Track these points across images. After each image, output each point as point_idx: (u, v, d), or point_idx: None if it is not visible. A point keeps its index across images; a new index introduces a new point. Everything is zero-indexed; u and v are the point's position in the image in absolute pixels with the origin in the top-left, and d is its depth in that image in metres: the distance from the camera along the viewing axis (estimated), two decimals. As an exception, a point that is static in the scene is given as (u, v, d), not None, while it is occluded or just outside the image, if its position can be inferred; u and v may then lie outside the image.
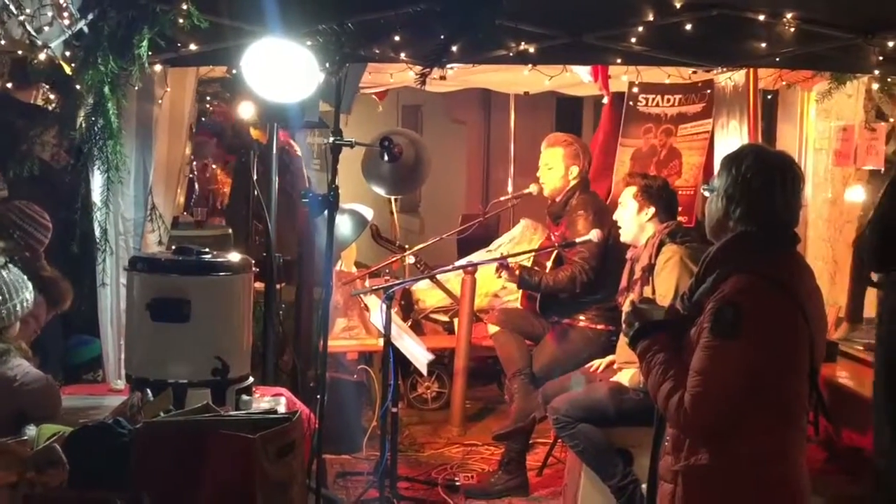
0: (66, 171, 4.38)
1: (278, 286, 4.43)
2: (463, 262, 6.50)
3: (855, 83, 5.62)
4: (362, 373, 5.84)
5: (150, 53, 3.77)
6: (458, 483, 5.20)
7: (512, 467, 5.17)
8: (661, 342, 2.66)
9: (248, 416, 2.87)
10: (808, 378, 2.57)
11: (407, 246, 6.89)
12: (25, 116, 4.36)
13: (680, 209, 4.92)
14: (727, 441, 2.54)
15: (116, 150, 4.02)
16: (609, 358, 4.71)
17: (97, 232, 4.20)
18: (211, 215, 6.82)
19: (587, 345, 4.99)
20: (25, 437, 2.84)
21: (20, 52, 3.79)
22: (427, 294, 7.05)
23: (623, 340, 4.29)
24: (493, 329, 5.40)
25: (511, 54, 4.56)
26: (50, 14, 3.52)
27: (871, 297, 5.11)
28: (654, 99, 6.06)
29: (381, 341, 4.65)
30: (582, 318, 5.05)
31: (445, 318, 6.99)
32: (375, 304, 4.80)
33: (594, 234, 4.89)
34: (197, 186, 6.95)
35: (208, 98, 6.61)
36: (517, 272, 5.09)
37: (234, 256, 3.44)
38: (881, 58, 4.62)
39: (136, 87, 4.05)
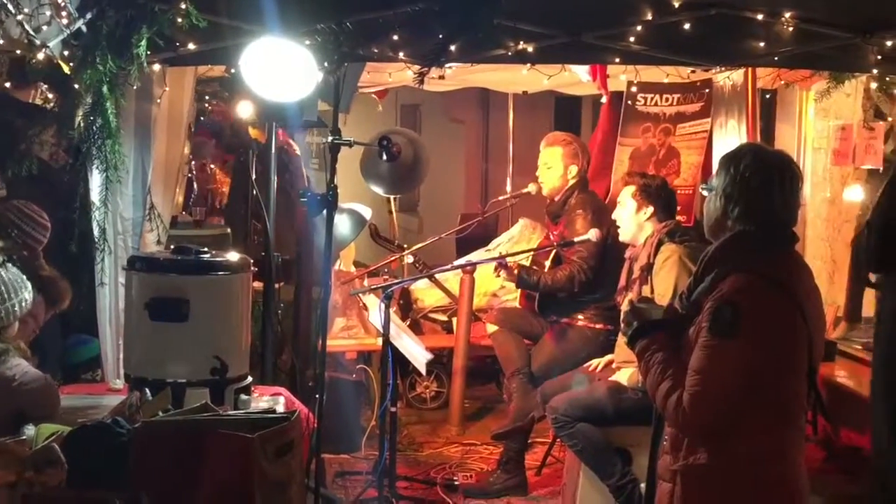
0: (65, 170, 4.38)
1: (277, 285, 4.43)
2: (461, 261, 6.50)
3: (853, 82, 5.62)
4: (361, 372, 5.84)
5: (148, 53, 3.77)
6: (456, 482, 5.20)
7: (511, 467, 5.17)
8: (659, 341, 2.66)
9: (246, 415, 2.87)
10: (806, 377, 2.57)
11: (406, 245, 6.89)
12: (24, 116, 4.36)
13: (678, 208, 4.92)
14: (726, 440, 2.54)
15: (115, 150, 4.02)
16: (608, 357, 4.71)
17: (96, 231, 4.20)
18: (210, 215, 6.82)
19: (586, 344, 4.99)
20: (24, 437, 2.84)
21: (18, 52, 3.79)
22: (426, 293, 7.05)
23: (622, 340, 4.29)
24: (491, 328, 5.40)
25: (510, 53, 4.56)
26: (48, 13, 3.52)
27: (869, 296, 5.11)
28: (652, 98, 6.06)
29: (379, 341, 4.65)
30: (580, 317, 5.05)
31: (444, 318, 6.99)
32: (374, 304, 4.80)
33: (593, 234, 4.89)
34: (196, 186, 6.96)
35: (207, 97, 6.61)
36: (516, 271, 5.08)
37: (233, 256, 3.44)
38: (879, 57, 4.62)
39: (135, 87, 4.05)
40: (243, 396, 3.27)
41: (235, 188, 6.33)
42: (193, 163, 6.71)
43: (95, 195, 4.17)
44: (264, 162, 4.35)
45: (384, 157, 4.58)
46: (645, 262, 4.36)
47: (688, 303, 2.66)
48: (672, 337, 2.67)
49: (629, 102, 6.14)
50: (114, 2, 3.71)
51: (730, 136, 5.77)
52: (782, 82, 5.98)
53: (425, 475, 5.31)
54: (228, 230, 6.15)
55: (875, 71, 5.05)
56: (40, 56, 3.68)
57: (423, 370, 5.14)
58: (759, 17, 4.23)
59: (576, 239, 4.93)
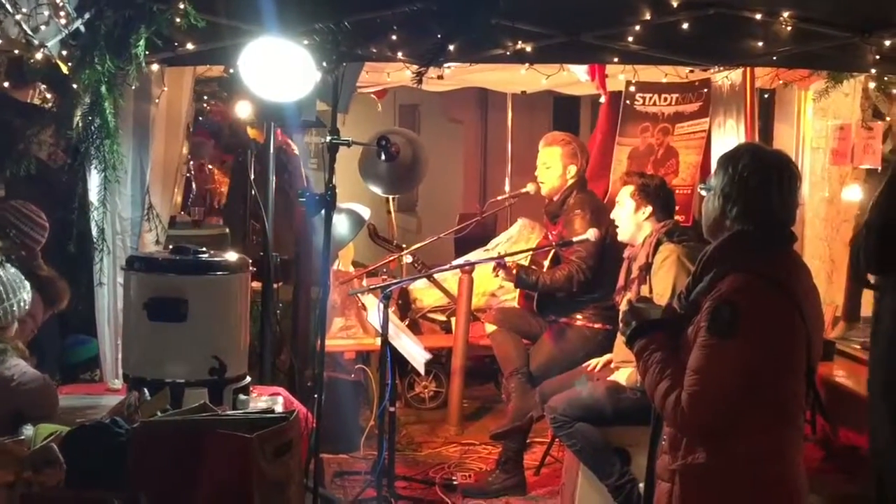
0: (63, 170, 4.38)
1: (276, 285, 4.43)
2: (460, 261, 6.49)
3: (852, 82, 5.62)
4: (360, 372, 5.84)
5: (147, 53, 3.77)
6: (455, 482, 5.21)
7: (509, 466, 5.17)
8: (658, 341, 2.67)
9: (245, 415, 2.87)
10: (805, 377, 2.57)
11: (404, 245, 6.88)
12: (22, 116, 4.35)
13: (677, 208, 4.92)
14: (724, 440, 2.54)
15: (113, 150, 4.02)
16: (606, 357, 4.71)
17: (94, 231, 4.20)
18: (208, 215, 6.82)
19: (584, 344, 4.99)
20: (22, 437, 2.84)
21: (17, 52, 3.79)
22: (424, 293, 7.05)
23: (620, 339, 4.29)
24: (490, 328, 5.40)
25: (508, 53, 4.56)
26: (46, 13, 3.51)
27: (868, 296, 5.10)
28: (651, 98, 6.06)
29: (378, 341, 4.65)
30: (579, 317, 5.05)
31: (443, 318, 6.99)
32: (373, 304, 4.80)
33: (591, 234, 4.89)
34: (194, 186, 6.96)
35: (205, 97, 6.60)
36: (514, 271, 5.08)
37: (232, 256, 3.44)
38: (878, 57, 4.62)
39: (133, 87, 4.05)
40: (242, 396, 3.27)
41: (234, 188, 6.34)
42: (192, 163, 6.71)
43: (94, 195, 4.17)
44: (263, 162, 4.35)
45: (383, 157, 4.57)
46: (643, 262, 4.36)
47: (686, 302, 2.67)
48: (671, 337, 2.67)
49: (627, 102, 6.14)
50: (112, 2, 3.71)
51: (728, 135, 5.77)
52: (781, 82, 5.98)
53: (424, 475, 5.32)
54: (227, 230, 6.15)
55: (873, 70, 5.05)
56: (38, 56, 3.68)
57: (421, 370, 5.14)
58: (758, 16, 4.23)
59: (574, 239, 4.93)
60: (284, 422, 2.72)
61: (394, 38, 4.17)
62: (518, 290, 5.53)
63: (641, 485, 3.17)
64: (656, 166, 5.96)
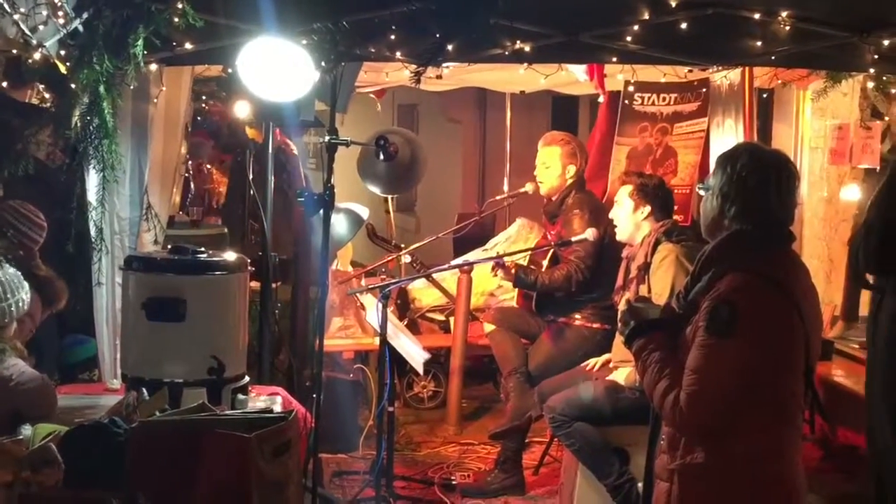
0: (62, 170, 4.37)
1: (274, 285, 4.43)
2: (459, 261, 6.49)
3: (850, 81, 5.62)
4: (358, 372, 5.84)
5: (145, 52, 3.77)
6: (454, 482, 5.20)
7: (508, 466, 5.17)
8: (656, 341, 2.67)
9: (243, 415, 2.87)
10: (803, 376, 2.57)
11: (403, 245, 6.88)
12: (21, 115, 4.35)
13: (676, 208, 4.92)
14: (723, 439, 2.54)
15: (112, 150, 4.02)
16: (605, 357, 4.71)
17: (93, 231, 4.20)
18: (207, 214, 6.81)
19: (583, 343, 4.99)
20: (21, 437, 2.84)
21: (15, 51, 3.79)
22: (423, 293, 7.05)
23: (619, 339, 4.29)
24: (488, 328, 5.40)
25: (507, 53, 4.56)
26: (45, 13, 3.51)
27: (866, 296, 5.11)
28: (649, 98, 6.06)
29: (377, 340, 4.64)
30: (578, 316, 5.05)
31: (441, 317, 6.99)
32: (371, 304, 4.79)
33: (590, 233, 4.89)
34: (193, 185, 6.95)
35: (204, 97, 6.60)
36: (513, 271, 5.08)
37: (230, 256, 3.44)
38: (876, 56, 4.62)
39: (132, 87, 4.05)
40: (240, 396, 3.27)
41: (233, 188, 6.34)
42: (190, 162, 6.70)
43: (92, 195, 4.17)
44: (261, 162, 4.35)
45: (381, 156, 4.57)
46: (642, 262, 4.36)
47: (685, 302, 2.67)
48: (669, 336, 2.67)
49: (626, 102, 6.14)
50: (110, 1, 3.70)
51: (727, 135, 5.77)
52: (779, 82, 5.98)
53: (423, 475, 5.31)
54: (225, 230, 6.15)
55: (872, 70, 5.05)
56: (37, 56, 3.68)
57: (420, 370, 5.14)
58: (756, 16, 4.23)
59: (573, 238, 4.93)
60: (283, 422, 2.72)
61: (392, 37, 4.17)
62: (517, 289, 5.53)
63: (640, 484, 3.17)
64: (655, 166, 5.96)
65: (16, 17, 3.42)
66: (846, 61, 4.91)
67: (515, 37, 4.42)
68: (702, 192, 2.80)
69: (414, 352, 4.78)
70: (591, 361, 4.77)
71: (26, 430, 2.91)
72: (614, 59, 5.03)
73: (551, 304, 5.17)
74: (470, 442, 5.93)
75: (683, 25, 4.27)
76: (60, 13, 3.54)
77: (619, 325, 2.82)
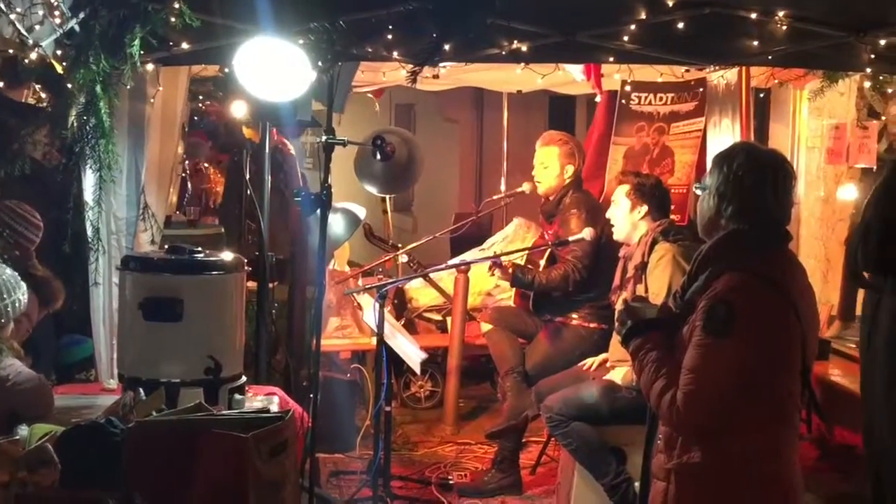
0: (58, 170, 4.36)
1: (271, 285, 4.43)
2: (456, 260, 6.48)
3: (847, 81, 5.63)
4: (355, 372, 5.84)
5: (141, 52, 3.77)
6: (451, 482, 5.20)
7: (505, 466, 5.17)
8: (653, 340, 2.67)
9: (240, 415, 2.86)
10: (800, 376, 2.57)
11: (400, 245, 6.88)
12: (17, 115, 4.34)
13: (672, 207, 4.93)
14: (720, 439, 2.54)
15: (108, 150, 4.02)
16: (602, 356, 4.71)
17: (89, 231, 4.19)
18: (204, 214, 6.82)
19: (580, 343, 4.99)
20: (17, 437, 2.83)
21: (11, 51, 3.78)
22: (420, 293, 7.05)
23: (616, 338, 4.29)
24: (485, 327, 5.40)
25: (503, 53, 4.56)
26: (41, 13, 3.51)
27: (864, 295, 5.11)
28: (646, 97, 6.05)
29: (374, 340, 4.65)
30: (575, 316, 5.06)
31: (438, 317, 6.99)
32: (368, 303, 4.80)
33: (587, 233, 4.90)
34: (190, 185, 6.95)
35: (201, 97, 6.60)
36: (510, 270, 5.08)
37: (227, 255, 3.43)
38: (873, 56, 4.63)
39: (128, 86, 4.04)
40: (237, 396, 3.27)
41: (229, 188, 6.32)
42: (187, 162, 6.70)
43: (89, 195, 4.17)
44: (258, 161, 4.34)
45: (378, 156, 4.57)
46: (639, 261, 4.37)
47: (682, 301, 2.67)
48: (666, 336, 2.67)
49: (623, 102, 6.14)
50: (107, 1, 3.70)
51: (723, 135, 5.77)
52: (776, 81, 5.99)
53: (420, 474, 5.31)
54: (222, 230, 6.15)
55: (868, 70, 5.06)
56: (33, 55, 3.67)
57: (417, 369, 5.15)
58: (753, 16, 4.23)
59: (570, 238, 4.93)
60: (280, 421, 2.72)
61: (389, 37, 4.17)
62: (514, 289, 5.53)
63: (637, 484, 3.17)
64: (652, 166, 5.96)
65: (12, 16, 3.42)
66: (843, 61, 4.92)
67: (512, 36, 4.42)
68: (698, 192, 2.80)
69: (411, 351, 4.78)
70: (589, 361, 4.77)
71: (23, 431, 2.91)
72: (611, 59, 5.03)
73: (548, 304, 5.17)
74: (467, 441, 5.93)
75: (680, 25, 4.27)
76: (57, 13, 3.54)
77: (616, 324, 2.82)
